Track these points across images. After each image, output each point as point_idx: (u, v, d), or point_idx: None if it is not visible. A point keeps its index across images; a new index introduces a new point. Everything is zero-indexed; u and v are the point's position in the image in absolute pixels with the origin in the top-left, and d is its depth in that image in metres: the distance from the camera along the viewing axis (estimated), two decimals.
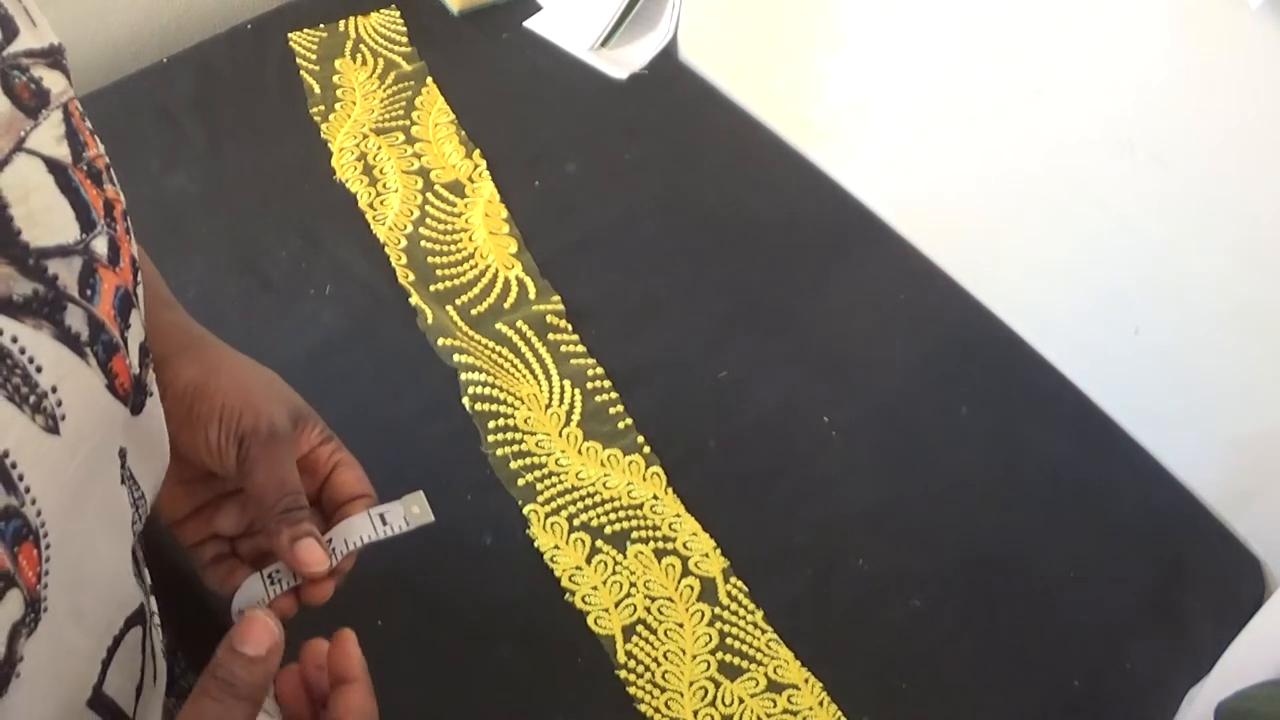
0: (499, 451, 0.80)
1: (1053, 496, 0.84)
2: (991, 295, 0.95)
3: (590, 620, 0.72)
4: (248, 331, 0.86)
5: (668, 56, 1.12)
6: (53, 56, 0.38)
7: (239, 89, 1.04)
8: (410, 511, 0.52)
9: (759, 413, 0.85)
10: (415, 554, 0.71)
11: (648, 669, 0.71)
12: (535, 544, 0.76)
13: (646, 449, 0.81)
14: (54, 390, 0.34)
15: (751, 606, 0.74)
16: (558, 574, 0.74)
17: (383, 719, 0.63)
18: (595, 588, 0.74)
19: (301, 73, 1.05)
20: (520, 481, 0.78)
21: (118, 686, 0.41)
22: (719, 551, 0.77)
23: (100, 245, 0.36)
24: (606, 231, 0.96)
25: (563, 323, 0.88)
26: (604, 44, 1.11)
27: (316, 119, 1.01)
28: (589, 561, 0.75)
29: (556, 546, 0.76)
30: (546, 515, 0.77)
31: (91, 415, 0.36)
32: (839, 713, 0.70)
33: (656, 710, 0.69)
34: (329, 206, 0.95)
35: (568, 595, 0.73)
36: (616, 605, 0.73)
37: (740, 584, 0.75)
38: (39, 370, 0.33)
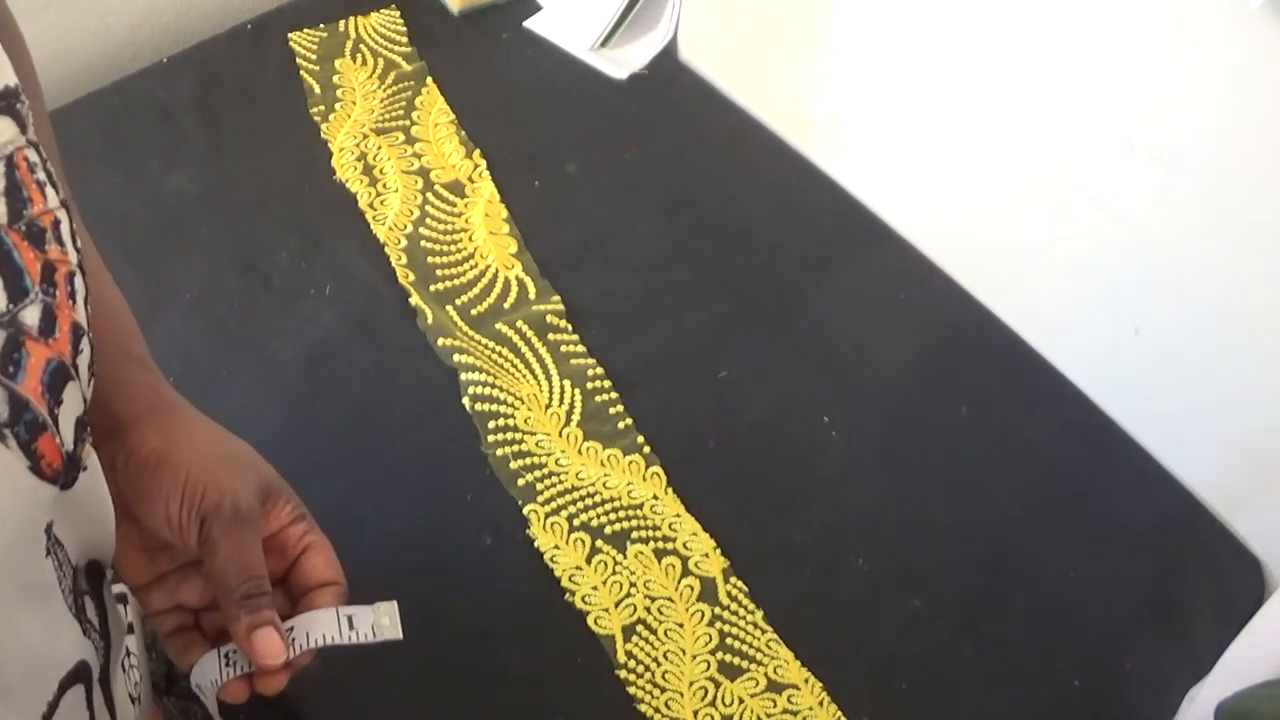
0: (499, 451, 0.80)
1: (1053, 496, 0.84)
2: (991, 295, 0.95)
3: (590, 620, 0.72)
4: (248, 331, 0.86)
5: (668, 56, 1.12)
6: (5, 100, 0.35)
7: (239, 89, 1.04)
8: (380, 622, 0.49)
9: (759, 413, 0.85)
10: (415, 554, 0.71)
11: (648, 669, 0.71)
12: (535, 544, 0.76)
13: (646, 449, 0.81)
14: None
15: (751, 606, 0.74)
16: (558, 574, 0.74)
17: (382, 719, 0.64)
18: (595, 588, 0.74)
19: (301, 73, 1.05)
20: (520, 481, 0.78)
21: None
22: (719, 551, 0.77)
23: (31, 315, 0.34)
24: (606, 231, 0.96)
25: (563, 323, 0.88)
26: (604, 44, 1.11)
27: (316, 119, 1.01)
28: (589, 561, 0.75)
29: (556, 546, 0.76)
30: (546, 515, 0.77)
31: (11, 499, 0.34)
32: (839, 713, 0.70)
33: (656, 710, 0.69)
34: (329, 206, 0.95)
35: (568, 595, 0.73)
36: (616, 605, 0.73)
37: (740, 584, 0.75)
38: None
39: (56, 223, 0.35)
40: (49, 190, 0.35)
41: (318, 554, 0.50)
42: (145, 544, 0.48)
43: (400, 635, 0.50)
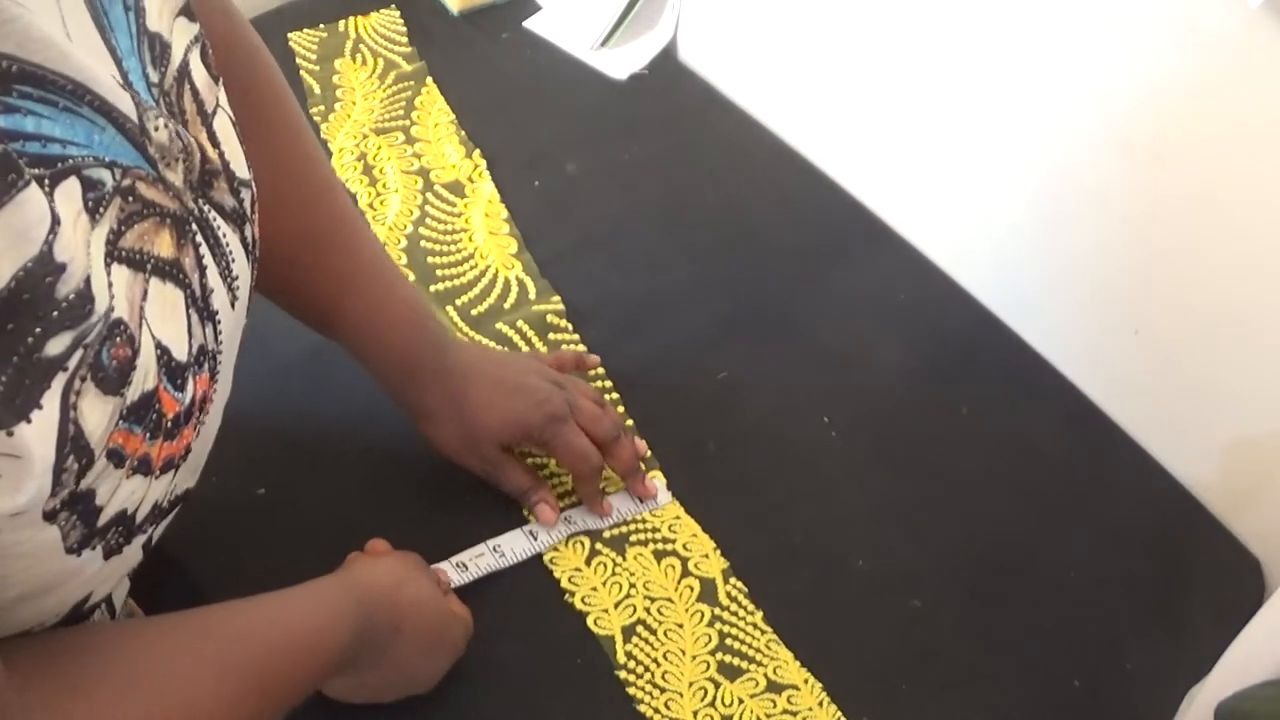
0: None
1: (1053, 496, 0.84)
2: (991, 295, 0.95)
3: (590, 621, 0.72)
4: (248, 331, 0.86)
5: (668, 56, 1.12)
6: (204, 40, 0.47)
7: None
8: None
9: (759, 413, 0.85)
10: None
11: (647, 669, 0.71)
12: None
13: (647, 452, 0.81)
14: (237, 278, 0.47)
15: (751, 607, 0.74)
16: (557, 575, 0.74)
17: (381, 718, 0.63)
18: (595, 589, 0.74)
19: (301, 73, 1.05)
20: None
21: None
22: (718, 552, 0.77)
23: (253, 186, 0.49)
24: (606, 231, 0.96)
25: (563, 323, 0.88)
26: (604, 44, 1.11)
27: (316, 119, 1.01)
28: (589, 563, 0.75)
29: (556, 548, 0.76)
30: None
31: (245, 303, 0.49)
32: (839, 713, 0.70)
33: (656, 710, 0.69)
34: None
35: (567, 596, 0.73)
36: (616, 606, 0.73)
37: (740, 584, 0.75)
38: (233, 261, 0.46)
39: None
40: None
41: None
42: None
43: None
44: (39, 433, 0.32)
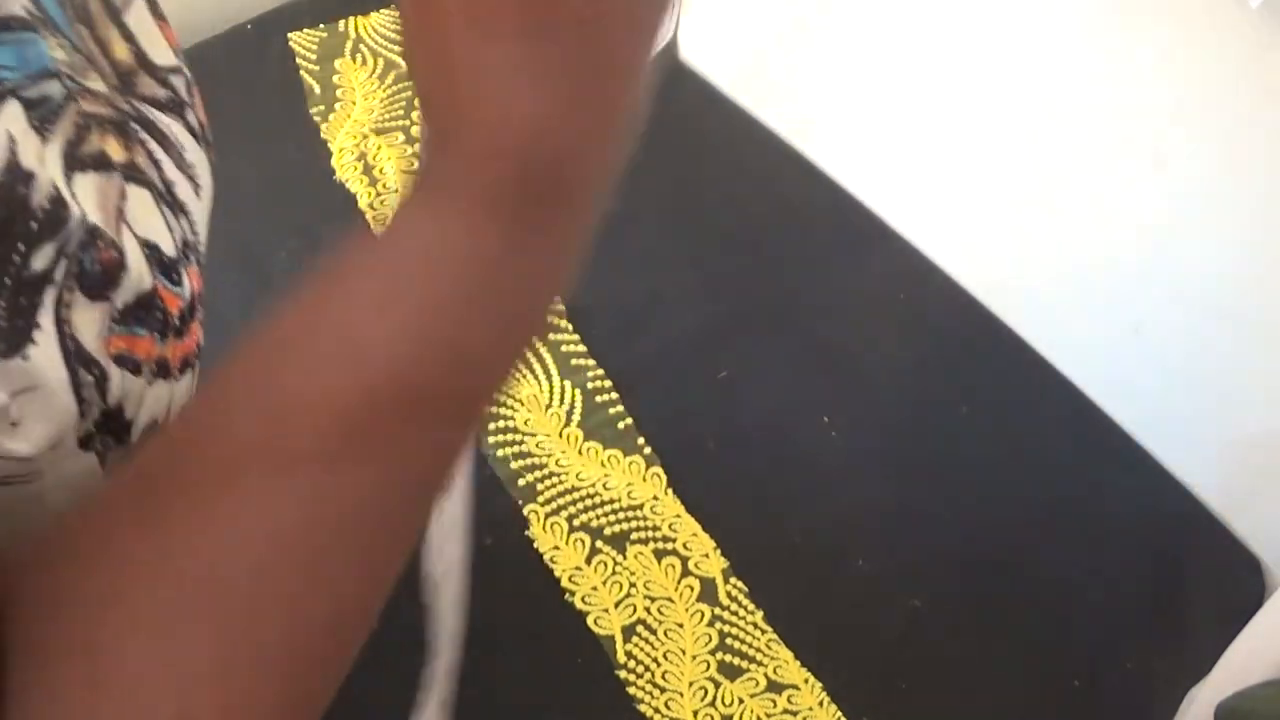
0: (499, 452, 0.80)
1: (1053, 496, 0.84)
2: (991, 295, 0.95)
3: (590, 620, 0.72)
4: (247, 331, 0.86)
5: (668, 56, 1.12)
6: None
7: (239, 89, 1.04)
8: None
9: (759, 413, 0.85)
10: (414, 553, 0.71)
11: (647, 669, 0.71)
12: (535, 544, 0.76)
13: (647, 449, 0.81)
14: (193, 165, 0.46)
15: (751, 607, 0.74)
16: (557, 574, 0.74)
17: (380, 719, 0.63)
18: (595, 588, 0.74)
19: (301, 73, 1.05)
20: (521, 482, 0.78)
21: None
22: (719, 552, 0.77)
23: (185, 70, 0.47)
24: (606, 231, 0.96)
25: (563, 323, 0.88)
26: None
27: (316, 119, 1.01)
28: (589, 562, 0.75)
29: (556, 547, 0.76)
30: (547, 515, 0.77)
31: (210, 191, 0.48)
32: (839, 713, 0.70)
33: (656, 710, 0.69)
34: (329, 206, 0.95)
35: (568, 595, 0.73)
36: (616, 605, 0.73)
37: (740, 584, 0.75)
38: (184, 150, 0.45)
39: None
40: None
41: None
42: None
43: None
44: (46, 352, 0.32)
